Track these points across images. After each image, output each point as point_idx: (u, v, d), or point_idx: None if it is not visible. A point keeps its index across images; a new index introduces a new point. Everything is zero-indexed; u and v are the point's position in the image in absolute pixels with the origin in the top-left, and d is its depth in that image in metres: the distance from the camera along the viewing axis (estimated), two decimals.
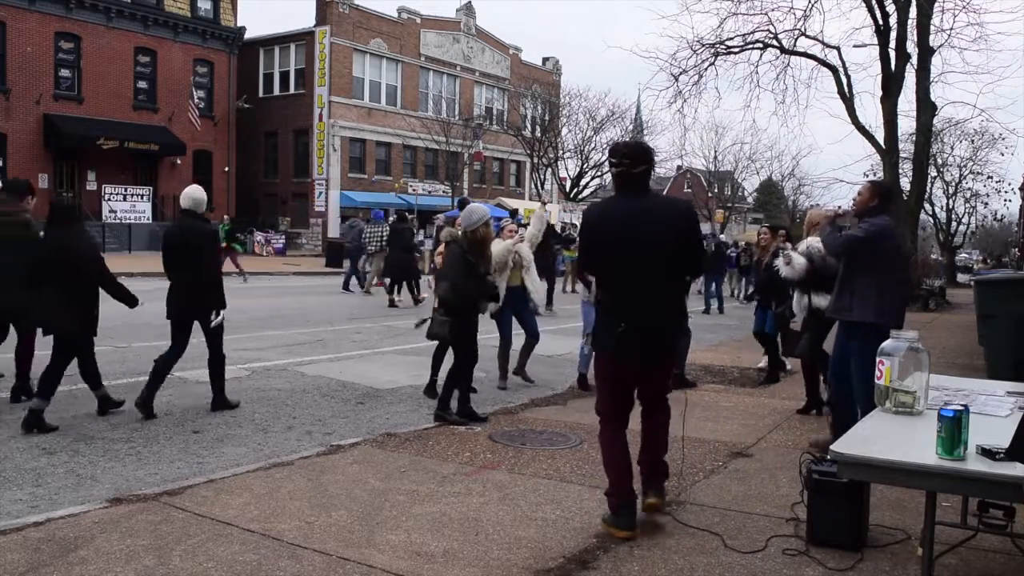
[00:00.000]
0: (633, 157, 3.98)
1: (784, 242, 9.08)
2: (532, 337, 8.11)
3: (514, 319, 7.96)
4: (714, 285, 18.59)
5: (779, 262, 6.62)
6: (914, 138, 22.11)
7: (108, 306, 6.43)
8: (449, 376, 6.37)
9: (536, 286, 8.10)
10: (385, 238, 16.78)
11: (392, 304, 15.46)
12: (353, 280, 18.74)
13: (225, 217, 26.23)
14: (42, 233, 6.37)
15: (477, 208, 6.52)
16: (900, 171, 20.90)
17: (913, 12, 18.83)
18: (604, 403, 4.19)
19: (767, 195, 59.88)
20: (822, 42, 19.99)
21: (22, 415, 5.80)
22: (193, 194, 6.65)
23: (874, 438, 3.07)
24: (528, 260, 7.91)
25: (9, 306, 6.40)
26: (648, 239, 3.91)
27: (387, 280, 16.37)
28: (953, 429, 2.74)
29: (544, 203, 9.32)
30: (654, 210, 3.99)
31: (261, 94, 39.14)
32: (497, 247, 7.39)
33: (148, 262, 26.04)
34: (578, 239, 4.21)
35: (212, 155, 36.12)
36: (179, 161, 34.53)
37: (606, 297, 4.09)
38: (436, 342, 7.10)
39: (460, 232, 6.39)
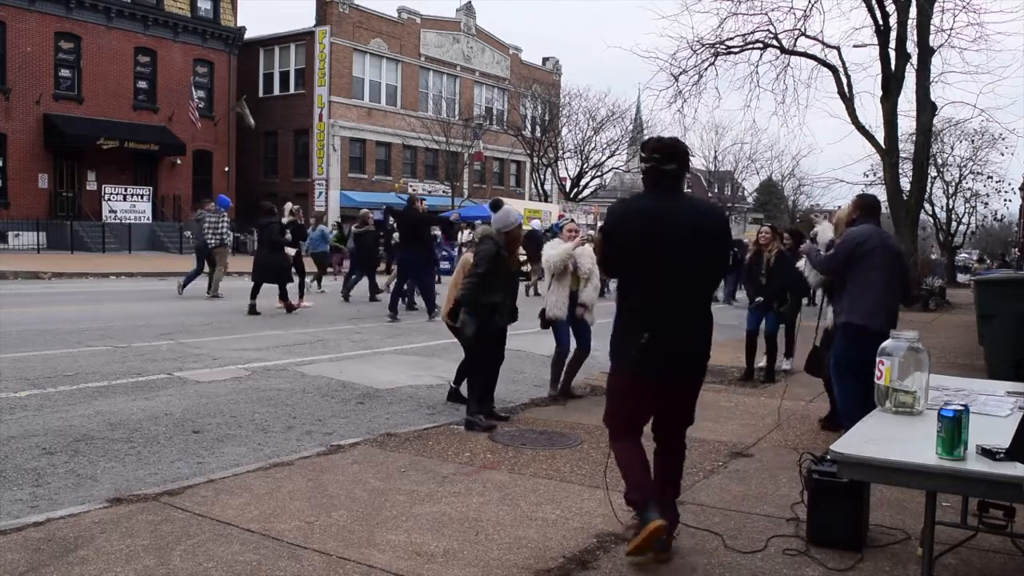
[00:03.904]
0: (665, 152, 3.64)
1: (784, 242, 9.12)
2: (582, 349, 7.42)
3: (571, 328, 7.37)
4: None
5: (801, 264, 6.56)
6: (914, 138, 22.12)
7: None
8: (468, 379, 6.51)
9: (590, 296, 7.25)
10: (223, 230, 15.37)
11: (252, 311, 13.28)
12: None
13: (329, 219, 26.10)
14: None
15: (511, 211, 6.70)
16: (900, 171, 20.90)
17: (913, 12, 18.84)
18: (616, 418, 3.78)
19: (767, 195, 59.86)
20: (822, 42, 20.03)
21: None
22: None
23: (874, 438, 3.07)
24: (587, 269, 7.17)
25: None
26: (681, 242, 3.55)
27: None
28: (953, 429, 2.74)
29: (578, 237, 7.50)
30: (689, 212, 3.65)
31: (261, 94, 39.15)
32: (554, 251, 7.15)
33: (148, 262, 26.09)
34: (599, 235, 3.77)
35: (212, 155, 36.17)
36: (179, 161, 34.57)
37: (628, 303, 3.67)
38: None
39: (495, 231, 6.39)
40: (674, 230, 3.56)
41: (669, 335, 3.54)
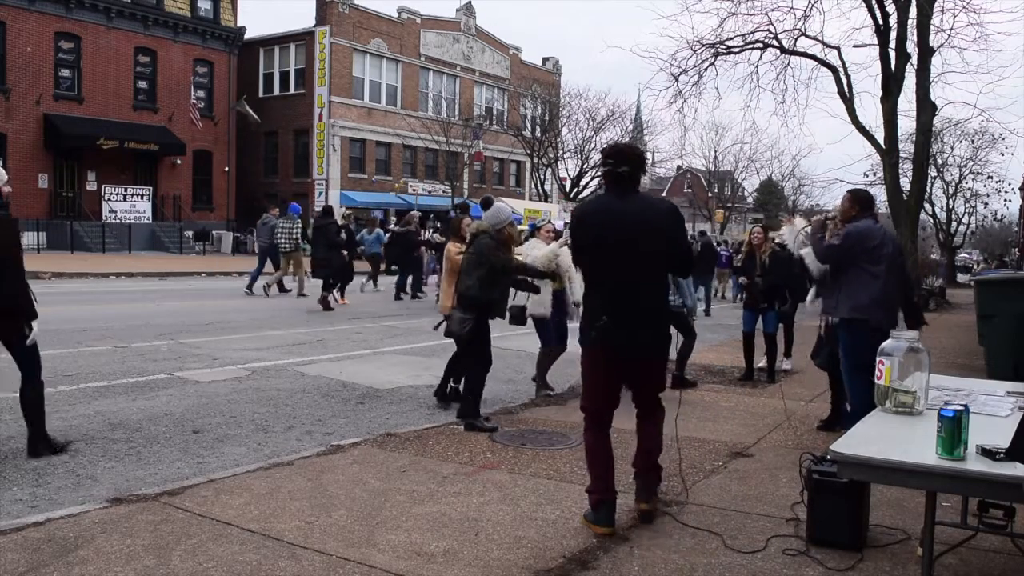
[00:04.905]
0: (617, 157, 4.07)
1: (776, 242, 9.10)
2: (559, 344, 7.60)
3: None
4: (701, 288, 17.75)
5: (805, 252, 6.50)
6: (914, 138, 22.07)
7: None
8: (466, 381, 6.38)
9: (577, 293, 7.18)
10: (296, 234, 16.32)
11: (327, 307, 14.34)
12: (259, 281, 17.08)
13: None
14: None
15: (504, 208, 6.65)
16: (900, 171, 20.87)
17: (913, 12, 18.79)
18: (589, 400, 4.19)
19: (767, 195, 59.83)
20: (822, 42, 19.95)
21: None
22: None
23: (874, 438, 3.07)
24: (566, 267, 7.19)
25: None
26: (628, 237, 3.97)
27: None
28: (953, 429, 2.74)
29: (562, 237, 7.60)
30: (635, 210, 4.03)
31: (261, 94, 39.13)
32: (538, 252, 7.15)
33: (148, 262, 26.08)
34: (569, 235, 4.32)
35: (212, 155, 36.15)
36: (179, 161, 34.55)
37: (592, 291, 4.15)
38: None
39: (488, 227, 6.34)
40: (626, 227, 3.98)
41: (623, 318, 3.96)
